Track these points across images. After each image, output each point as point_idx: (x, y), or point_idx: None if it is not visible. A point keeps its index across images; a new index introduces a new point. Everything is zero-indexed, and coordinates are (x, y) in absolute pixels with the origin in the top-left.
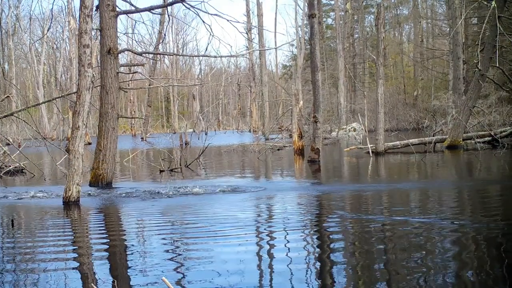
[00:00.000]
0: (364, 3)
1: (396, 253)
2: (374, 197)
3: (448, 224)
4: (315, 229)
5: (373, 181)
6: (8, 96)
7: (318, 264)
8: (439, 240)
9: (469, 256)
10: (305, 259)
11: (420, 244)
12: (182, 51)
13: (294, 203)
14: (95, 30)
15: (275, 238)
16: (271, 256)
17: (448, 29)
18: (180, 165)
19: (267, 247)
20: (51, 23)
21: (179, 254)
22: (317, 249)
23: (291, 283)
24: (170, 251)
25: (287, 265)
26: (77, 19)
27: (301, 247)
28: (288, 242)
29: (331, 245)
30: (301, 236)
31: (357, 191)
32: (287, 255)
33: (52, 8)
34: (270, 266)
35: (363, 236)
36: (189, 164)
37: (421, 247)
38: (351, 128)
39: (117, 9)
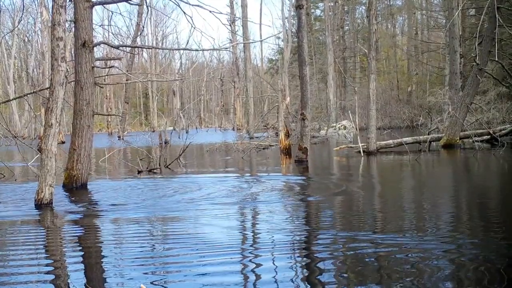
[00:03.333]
0: None
1: (391, 276)
2: (365, 207)
3: (445, 244)
4: (303, 247)
5: (364, 186)
6: None
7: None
8: (435, 263)
9: (467, 282)
10: (293, 280)
11: (414, 266)
12: (162, 44)
13: (280, 214)
14: (69, 22)
15: (260, 256)
16: (257, 276)
17: (444, 21)
18: (160, 165)
19: (252, 266)
20: (22, 14)
21: (158, 265)
22: (305, 271)
23: None
24: (149, 261)
25: None
26: (50, 10)
27: (289, 268)
28: (275, 262)
29: (320, 267)
30: (289, 255)
31: (347, 198)
32: (274, 277)
33: None
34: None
35: (354, 256)
36: (169, 164)
37: (416, 269)
38: (341, 126)
39: None
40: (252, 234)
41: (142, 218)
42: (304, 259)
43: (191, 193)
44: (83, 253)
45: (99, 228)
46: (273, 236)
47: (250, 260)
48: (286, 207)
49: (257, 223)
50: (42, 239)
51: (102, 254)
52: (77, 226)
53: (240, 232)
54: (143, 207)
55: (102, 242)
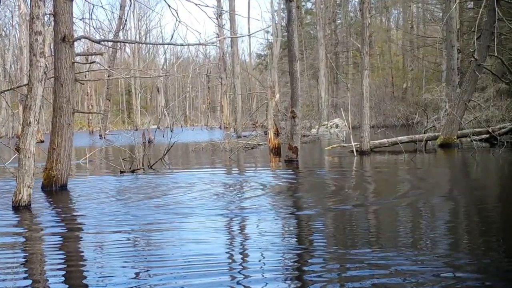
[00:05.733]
0: None
1: None
2: (358, 216)
3: (442, 264)
4: (295, 274)
5: (357, 190)
6: None
7: None
8: None
9: None
10: None
11: None
12: (145, 38)
13: (270, 227)
14: (48, 15)
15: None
16: None
17: (441, 14)
18: (143, 165)
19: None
20: None
21: (141, 274)
22: None
23: None
24: (131, 272)
25: None
26: (28, 3)
27: None
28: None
29: None
30: (280, 281)
31: (339, 205)
32: None
33: None
34: None
35: (349, 280)
36: (153, 165)
37: None
38: (333, 124)
39: None
40: (240, 252)
41: (123, 227)
42: (295, 282)
43: (175, 198)
44: (62, 261)
45: (80, 236)
46: (263, 256)
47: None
48: (276, 218)
49: (246, 239)
50: (19, 240)
51: (82, 263)
52: (56, 227)
53: (227, 250)
54: (125, 214)
55: (83, 252)
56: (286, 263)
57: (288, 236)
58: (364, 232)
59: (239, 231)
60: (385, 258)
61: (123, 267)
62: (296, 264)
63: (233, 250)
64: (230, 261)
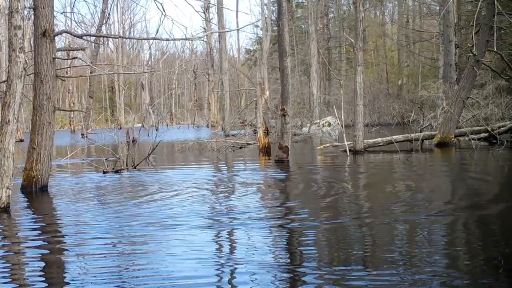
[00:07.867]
0: None
1: None
2: (352, 227)
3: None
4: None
5: (350, 195)
6: None
7: None
8: None
9: None
10: None
11: None
12: (129, 33)
13: (259, 242)
14: (28, 9)
15: None
16: None
17: (438, 7)
18: (127, 165)
19: None
20: None
21: (123, 282)
22: None
23: None
24: (114, 279)
25: None
26: None
27: None
28: None
29: None
30: None
31: (332, 215)
32: None
33: None
34: None
35: None
36: (137, 165)
37: None
38: (325, 122)
39: None
40: (229, 270)
41: (105, 235)
42: None
43: (159, 204)
44: (41, 268)
45: (59, 243)
46: (252, 278)
47: None
48: (265, 230)
49: (234, 256)
50: None
51: (60, 270)
52: (36, 229)
53: (214, 269)
54: (106, 220)
55: (61, 259)
56: (277, 282)
57: (280, 253)
58: (358, 243)
59: (226, 246)
60: (382, 282)
61: (104, 280)
62: (286, 280)
63: (220, 269)
64: (218, 283)
